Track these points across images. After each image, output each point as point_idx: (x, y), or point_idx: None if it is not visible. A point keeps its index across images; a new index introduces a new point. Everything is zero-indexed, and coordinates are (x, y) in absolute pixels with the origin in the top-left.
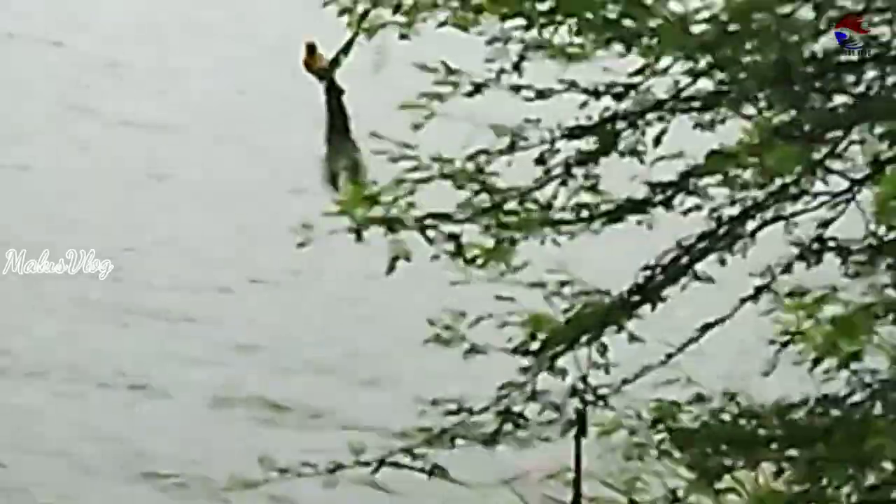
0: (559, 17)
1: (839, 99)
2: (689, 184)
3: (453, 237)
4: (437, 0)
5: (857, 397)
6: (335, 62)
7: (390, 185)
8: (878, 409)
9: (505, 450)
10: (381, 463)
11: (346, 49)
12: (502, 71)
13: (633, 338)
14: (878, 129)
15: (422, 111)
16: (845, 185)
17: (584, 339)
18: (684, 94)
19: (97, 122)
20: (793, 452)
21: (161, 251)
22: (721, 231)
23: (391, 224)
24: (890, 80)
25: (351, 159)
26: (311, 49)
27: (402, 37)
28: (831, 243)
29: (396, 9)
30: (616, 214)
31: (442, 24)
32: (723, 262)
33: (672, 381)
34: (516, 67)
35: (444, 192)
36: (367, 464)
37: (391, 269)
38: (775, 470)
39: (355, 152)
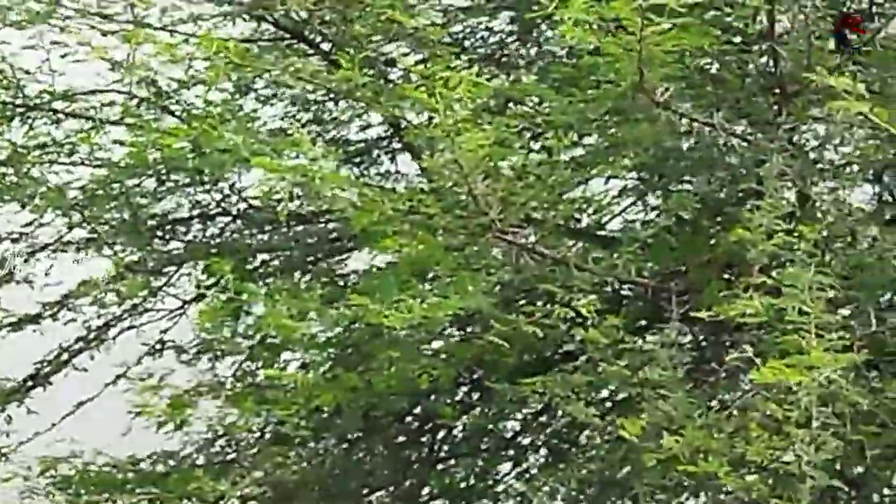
0: None
1: (175, 244)
2: (66, 303)
3: None
4: None
5: (187, 451)
6: None
7: None
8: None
9: None
10: None
11: None
12: None
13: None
14: (203, 264)
15: None
16: (179, 303)
17: None
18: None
19: None
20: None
21: None
22: (91, 336)
23: None
24: (209, 231)
25: None
26: None
27: None
28: (170, 344)
29: None
30: (17, 324)
31: None
32: (92, 357)
33: (59, 441)
34: None
35: None
36: None
37: None
38: None
39: None
